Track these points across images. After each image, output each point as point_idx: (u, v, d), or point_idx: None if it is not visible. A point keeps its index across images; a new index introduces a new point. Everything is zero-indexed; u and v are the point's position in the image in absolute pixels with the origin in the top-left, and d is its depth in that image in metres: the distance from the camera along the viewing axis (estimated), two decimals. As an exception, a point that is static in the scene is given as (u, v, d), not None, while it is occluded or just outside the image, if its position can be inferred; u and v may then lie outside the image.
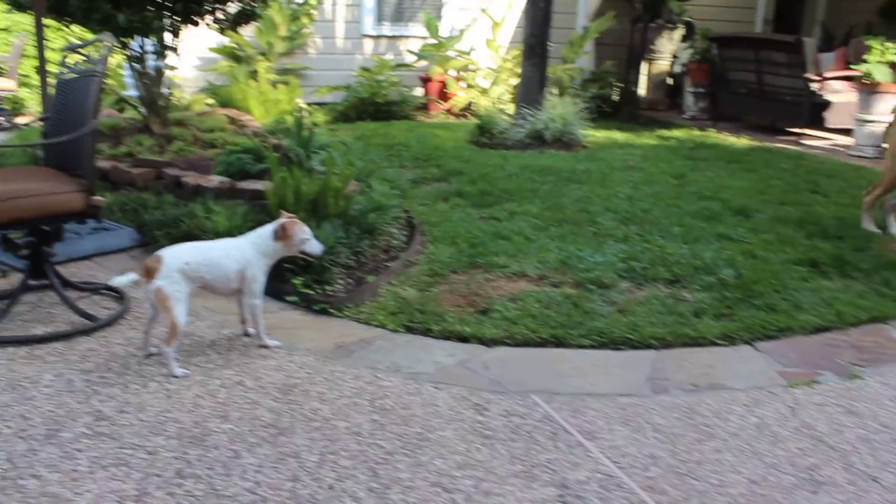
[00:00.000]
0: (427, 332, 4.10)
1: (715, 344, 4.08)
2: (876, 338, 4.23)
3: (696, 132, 10.68)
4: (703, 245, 5.44)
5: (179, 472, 2.84)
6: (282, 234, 3.80)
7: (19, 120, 10.38)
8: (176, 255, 3.66)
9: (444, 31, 11.95)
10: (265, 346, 3.89)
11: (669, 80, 13.65)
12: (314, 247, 3.90)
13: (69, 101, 4.32)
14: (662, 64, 13.34)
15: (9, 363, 3.67)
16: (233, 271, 3.76)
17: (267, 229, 3.84)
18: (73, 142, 4.09)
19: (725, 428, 3.29)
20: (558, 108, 9.36)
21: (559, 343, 4.02)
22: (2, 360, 3.70)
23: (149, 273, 3.58)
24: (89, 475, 2.80)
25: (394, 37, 12.29)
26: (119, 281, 3.72)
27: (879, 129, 9.18)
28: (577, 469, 2.96)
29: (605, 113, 11.62)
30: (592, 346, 4.02)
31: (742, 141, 10.18)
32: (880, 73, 8.86)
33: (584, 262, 5.01)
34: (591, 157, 8.53)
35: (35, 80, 10.78)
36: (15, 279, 4.39)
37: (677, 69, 13.60)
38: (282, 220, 3.85)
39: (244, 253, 3.80)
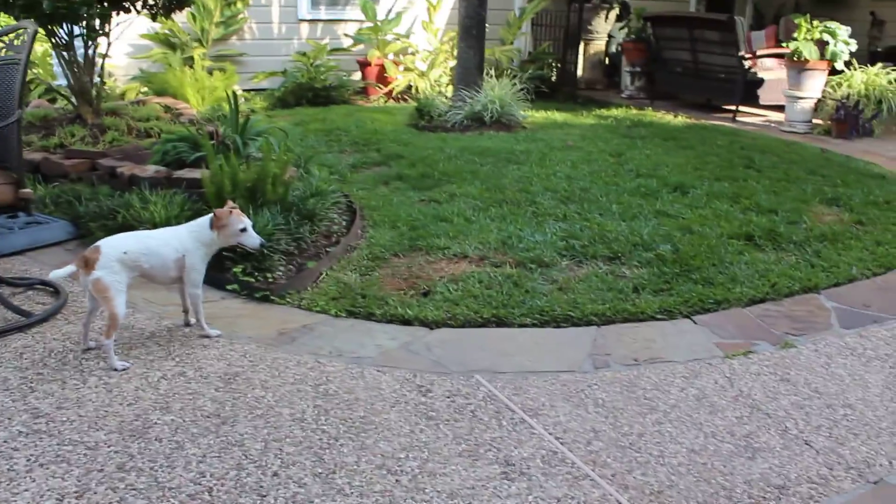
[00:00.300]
0: (369, 317, 4.10)
1: (654, 318, 4.16)
2: (808, 307, 4.35)
3: (634, 111, 10.79)
4: (641, 222, 5.53)
5: (121, 466, 2.81)
6: (217, 224, 3.72)
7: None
8: (114, 245, 3.59)
9: (381, 13, 11.86)
10: (206, 336, 3.85)
11: (606, 60, 13.77)
12: (251, 240, 3.82)
13: (-8, 90, 4.20)
14: (599, 44, 13.45)
15: (-61, 363, 3.58)
16: (171, 260, 3.70)
17: (205, 218, 3.78)
18: (-2, 133, 3.99)
19: (666, 400, 3.36)
20: (497, 90, 9.38)
21: (501, 322, 4.06)
22: (-68, 360, 3.60)
23: (87, 264, 3.50)
24: (27, 474, 2.75)
25: (330, 20, 12.15)
26: (57, 273, 3.61)
27: (809, 105, 9.42)
28: (520, 446, 3.00)
29: (543, 93, 11.68)
30: (534, 325, 4.06)
31: (679, 119, 10.33)
32: (808, 51, 9.05)
33: (524, 242, 5.05)
34: (530, 137, 8.57)
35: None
36: (-56, 276, 4.27)
37: (614, 49, 13.74)
38: (218, 210, 3.79)
39: (183, 241, 3.74)
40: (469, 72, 9.52)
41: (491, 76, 9.93)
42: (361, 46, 11.95)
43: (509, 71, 11.25)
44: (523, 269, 4.68)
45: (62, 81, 8.49)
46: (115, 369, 3.51)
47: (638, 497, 2.72)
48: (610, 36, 13.48)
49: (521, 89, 9.90)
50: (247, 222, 3.80)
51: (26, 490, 2.66)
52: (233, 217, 3.75)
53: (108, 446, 2.92)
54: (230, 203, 3.86)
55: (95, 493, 2.65)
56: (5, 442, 2.94)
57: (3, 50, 4.21)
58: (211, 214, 3.76)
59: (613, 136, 8.72)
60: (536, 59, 12.55)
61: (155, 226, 4.67)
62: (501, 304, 4.19)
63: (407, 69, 11.84)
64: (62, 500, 2.61)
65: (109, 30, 6.93)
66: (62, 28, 6.58)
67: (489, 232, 5.26)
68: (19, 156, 4.08)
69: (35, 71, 9.42)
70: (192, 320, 3.94)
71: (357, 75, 12.04)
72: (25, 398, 3.26)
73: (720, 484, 2.80)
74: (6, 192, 3.93)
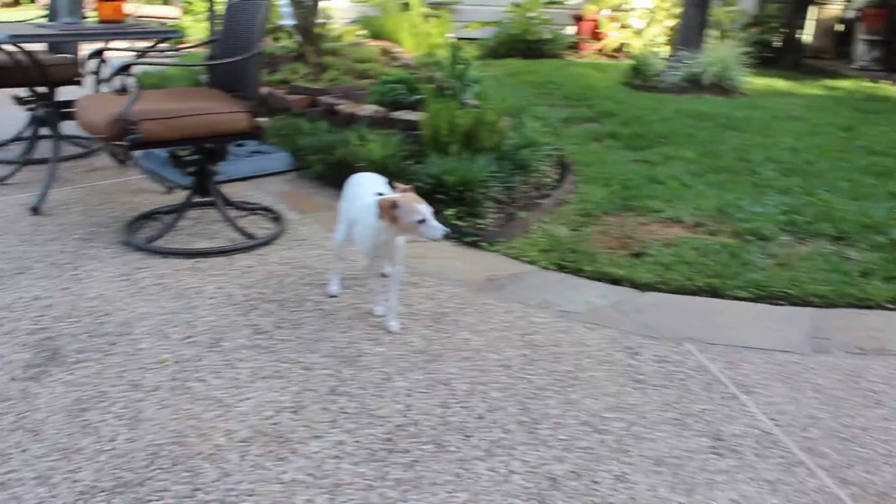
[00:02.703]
0: (578, 272, 4.03)
1: (883, 308, 3.84)
2: None
3: (867, 83, 10.01)
4: (873, 203, 5.11)
5: (333, 389, 2.91)
6: (385, 214, 3.10)
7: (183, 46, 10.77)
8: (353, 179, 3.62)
9: (599, -32, 11.59)
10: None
11: (839, 27, 12.79)
12: (432, 231, 3.07)
13: (237, 24, 4.41)
14: (833, 8, 12.52)
15: (175, 273, 3.85)
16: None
17: (373, 202, 3.16)
18: (239, 64, 4.19)
19: (895, 396, 3.10)
20: (717, 52, 8.98)
21: (714, 293, 3.88)
22: (168, 271, 3.88)
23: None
24: (249, 384, 2.92)
25: (548, -27, 11.99)
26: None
27: None
28: (731, 422, 2.86)
29: (766, 59, 11.04)
30: (749, 299, 3.85)
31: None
32: None
33: (742, 212, 4.80)
34: (750, 104, 8.14)
35: (198, 7, 11.14)
36: (180, 196, 4.57)
37: (850, 14, 12.72)
38: (381, 199, 3.14)
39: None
40: (691, 31, 9.14)
41: (712, 38, 9.49)
42: (577, 0, 11.73)
43: (731, 33, 10.70)
44: (741, 240, 4.45)
45: (288, 21, 8.86)
46: (330, 294, 3.68)
47: (860, 494, 2.52)
48: (847, 0, 12.50)
49: (743, 53, 9.39)
50: (425, 212, 3.07)
51: (248, 399, 2.82)
52: (403, 208, 3.08)
53: (323, 369, 3.05)
54: (401, 187, 3.21)
55: (310, 410, 2.77)
56: (231, 352, 3.13)
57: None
58: (377, 202, 3.14)
59: (843, 109, 8.12)
60: (761, 22, 11.86)
61: (372, 163, 4.79)
62: (716, 273, 4.01)
63: (622, 26, 11.52)
64: (279, 413, 2.74)
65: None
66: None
67: (705, 198, 5.03)
68: (256, 87, 4.29)
69: (267, 8, 9.86)
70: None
71: (570, 30, 11.85)
72: (248, 314, 3.46)
73: (957, 492, 2.56)
74: (244, 120, 4.14)
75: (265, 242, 4.27)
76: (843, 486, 2.56)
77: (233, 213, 4.57)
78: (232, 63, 4.22)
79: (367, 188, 3.40)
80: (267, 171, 5.52)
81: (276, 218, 4.63)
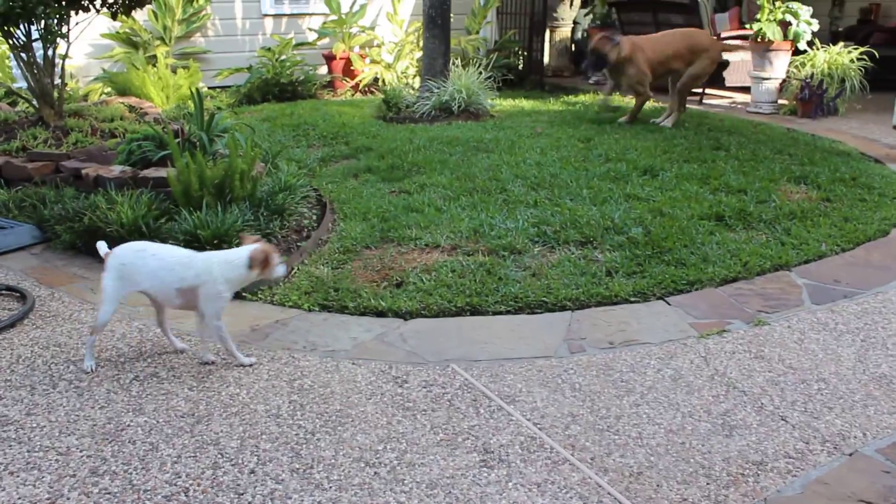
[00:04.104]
0: (343, 309, 4.07)
1: (628, 301, 4.17)
2: (780, 284, 4.38)
3: (601, 96, 10.79)
4: (611, 206, 5.53)
5: (94, 470, 2.76)
6: (262, 264, 3.39)
7: None
8: (117, 254, 3.43)
9: (345, 6, 11.76)
10: (242, 365, 3.52)
11: (573, 47, 13.77)
12: (281, 270, 3.50)
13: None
14: (565, 30, 13.46)
15: None
16: (173, 287, 3.39)
17: (239, 256, 3.40)
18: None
19: (642, 382, 3.37)
20: (463, 79, 9.35)
21: (475, 311, 4.04)
22: None
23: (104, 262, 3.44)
24: (-2, 481, 2.71)
25: (294, 14, 12.04)
26: (101, 244, 3.51)
27: (774, 85, 9.49)
28: (499, 433, 2.99)
29: (510, 82, 11.69)
30: (509, 312, 4.05)
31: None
32: (771, 32, 9.11)
33: (495, 230, 5.04)
34: (498, 125, 8.55)
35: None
36: None
37: (580, 35, 13.73)
38: (258, 247, 3.42)
39: (200, 272, 3.38)
40: (435, 62, 9.47)
41: (457, 66, 9.90)
42: (327, 40, 11.86)
43: (476, 60, 11.21)
44: (496, 256, 4.66)
45: (22, 84, 8.35)
46: (85, 371, 3.48)
47: (618, 479, 2.72)
48: (575, 22, 13.49)
49: (489, 78, 9.87)
50: (279, 256, 3.53)
51: (-3, 498, 2.62)
52: (275, 255, 3.46)
53: (81, 451, 2.88)
54: (249, 238, 3.55)
55: (68, 499, 2.61)
56: (-26, 450, 2.89)
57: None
58: (246, 252, 3.39)
59: (582, 122, 8.72)
60: (502, 47, 12.52)
61: (122, 226, 4.61)
62: (475, 292, 4.18)
63: (373, 61, 11.76)
64: (34, 507, 2.56)
65: (68, 30, 6.83)
66: (19, 28, 6.46)
67: (460, 221, 5.24)
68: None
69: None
70: (211, 357, 3.60)
71: (323, 69, 11.95)
72: (-6, 405, 3.21)
73: (699, 462, 2.80)
74: (-33, 197, 3.85)
75: (10, 325, 3.97)
76: (604, 474, 2.75)
77: (-29, 297, 4.24)
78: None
79: (162, 255, 3.46)
80: (10, 247, 5.14)
81: (21, 296, 4.32)
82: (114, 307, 3.45)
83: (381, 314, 4.02)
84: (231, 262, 3.41)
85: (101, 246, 3.51)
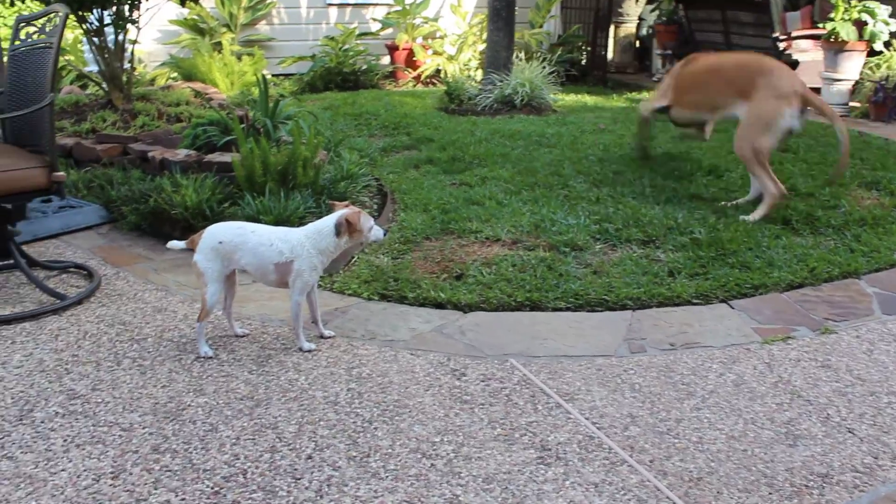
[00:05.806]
0: (402, 300, 4.07)
1: (690, 303, 4.09)
2: (848, 292, 4.26)
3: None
4: (675, 205, 5.44)
5: (156, 447, 2.80)
6: (348, 229, 3.42)
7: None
8: (213, 232, 3.45)
9: (409, -3, 11.81)
10: (301, 350, 3.55)
11: (637, 43, 13.61)
12: (379, 233, 3.53)
13: (24, 74, 4.20)
14: (630, 27, 13.31)
15: (-24, 345, 3.60)
16: (271, 262, 3.43)
17: (327, 225, 3.44)
18: (31, 117, 4.00)
19: (703, 386, 3.30)
20: (527, 73, 9.31)
21: (535, 306, 4.01)
22: (-32, 342, 3.63)
23: (193, 245, 3.45)
24: (64, 454, 2.76)
25: (359, 4, 12.11)
26: (174, 244, 3.56)
27: (846, 87, 9.24)
28: (556, 431, 2.96)
29: (573, 77, 11.60)
30: (568, 309, 4.01)
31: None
32: (845, 31, 8.86)
33: (557, 225, 5.00)
34: (561, 120, 8.49)
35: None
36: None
37: (645, 32, 13.56)
38: (343, 213, 3.44)
39: (294, 246, 3.43)
40: (499, 55, 9.44)
41: (520, 59, 9.86)
42: (390, 30, 11.90)
43: (539, 54, 11.15)
44: (556, 252, 4.63)
45: (93, 68, 8.54)
46: (199, 355, 3.50)
47: (677, 483, 2.67)
48: (641, 19, 13.32)
49: (552, 72, 9.82)
50: (370, 218, 3.54)
51: (63, 470, 2.66)
52: (363, 217, 3.47)
53: (143, 428, 2.93)
54: (338, 204, 3.57)
55: (131, 473, 2.65)
56: (42, 423, 2.95)
57: (36, 34, 4.22)
58: (333, 219, 3.44)
59: (645, 120, 8.59)
60: (566, 42, 12.43)
61: (186, 209, 4.68)
62: (535, 287, 4.15)
63: (436, 53, 11.77)
64: (98, 481, 2.61)
65: (139, 16, 6.96)
66: (92, 14, 6.60)
67: (521, 215, 5.20)
68: (52, 140, 4.09)
69: (67, 58, 9.46)
70: (328, 332, 3.70)
71: (386, 59, 11.99)
72: (61, 379, 3.28)
73: (761, 471, 2.74)
74: (39, 176, 3.94)
75: (78, 302, 4.06)
76: (663, 477, 2.69)
77: (41, 273, 4.34)
78: (22, 116, 4.00)
79: (261, 231, 3.50)
80: (78, 226, 5.26)
81: (88, 274, 4.42)
82: (219, 287, 3.45)
83: (440, 306, 4.01)
84: (320, 231, 3.45)
85: (175, 244, 3.55)
